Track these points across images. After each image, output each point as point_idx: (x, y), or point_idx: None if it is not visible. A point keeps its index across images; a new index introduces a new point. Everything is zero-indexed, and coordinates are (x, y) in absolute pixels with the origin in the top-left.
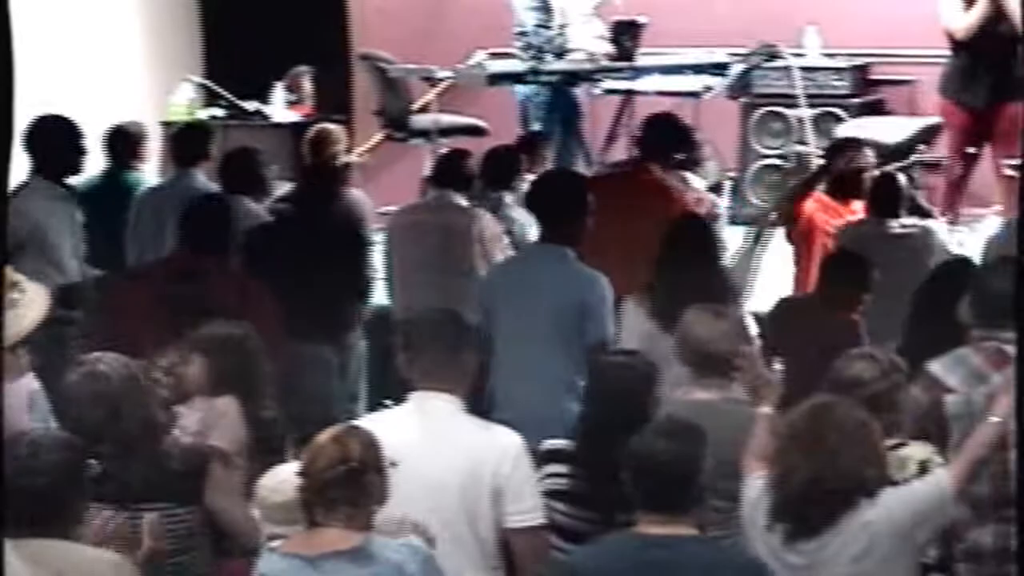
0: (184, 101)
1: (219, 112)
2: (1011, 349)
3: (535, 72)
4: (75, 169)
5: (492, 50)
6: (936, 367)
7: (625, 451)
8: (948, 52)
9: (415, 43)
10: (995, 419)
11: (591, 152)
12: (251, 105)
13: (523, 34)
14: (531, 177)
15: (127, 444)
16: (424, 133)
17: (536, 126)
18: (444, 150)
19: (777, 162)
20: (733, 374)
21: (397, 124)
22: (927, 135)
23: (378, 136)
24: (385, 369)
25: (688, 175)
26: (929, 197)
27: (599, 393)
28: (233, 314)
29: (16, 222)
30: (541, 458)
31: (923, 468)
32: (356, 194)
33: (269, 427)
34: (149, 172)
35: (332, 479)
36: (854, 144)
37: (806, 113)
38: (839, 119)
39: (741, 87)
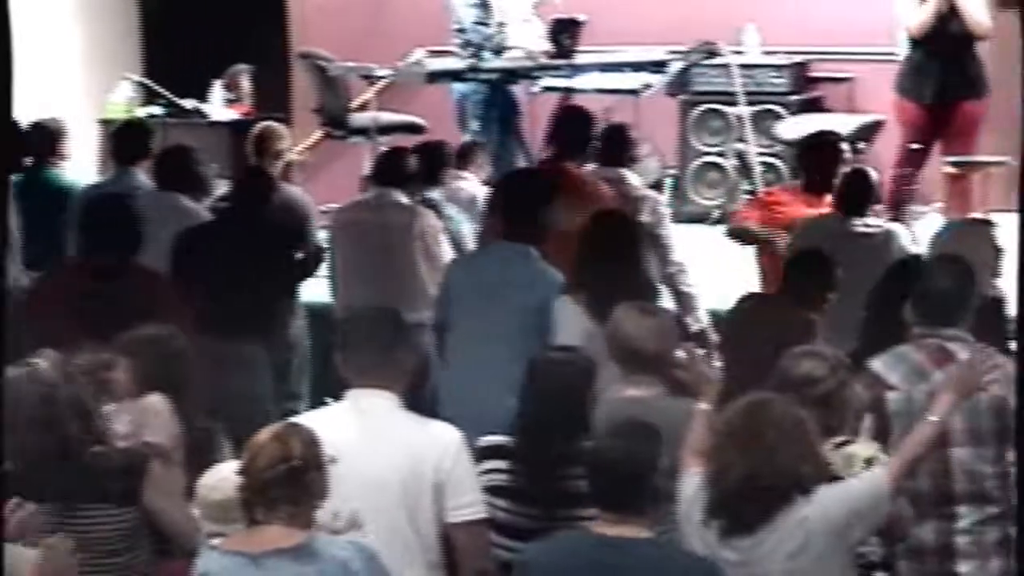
0: (123, 99)
1: (158, 110)
2: (953, 347)
3: (474, 70)
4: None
5: (431, 48)
6: (878, 364)
7: (583, 450)
8: (888, 50)
9: (354, 41)
10: (932, 418)
11: (530, 150)
12: (190, 103)
13: (462, 31)
14: (467, 176)
15: (65, 445)
16: (363, 131)
17: (474, 124)
18: (384, 148)
19: (717, 160)
20: (664, 370)
21: (336, 122)
22: (867, 132)
23: (317, 134)
24: (328, 368)
25: (626, 172)
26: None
27: (537, 389)
28: (146, 313)
29: None
30: (480, 454)
31: (869, 465)
32: (297, 192)
33: (199, 426)
34: (74, 169)
35: (273, 477)
36: (832, 139)
37: (745, 111)
38: (778, 117)
39: (680, 85)
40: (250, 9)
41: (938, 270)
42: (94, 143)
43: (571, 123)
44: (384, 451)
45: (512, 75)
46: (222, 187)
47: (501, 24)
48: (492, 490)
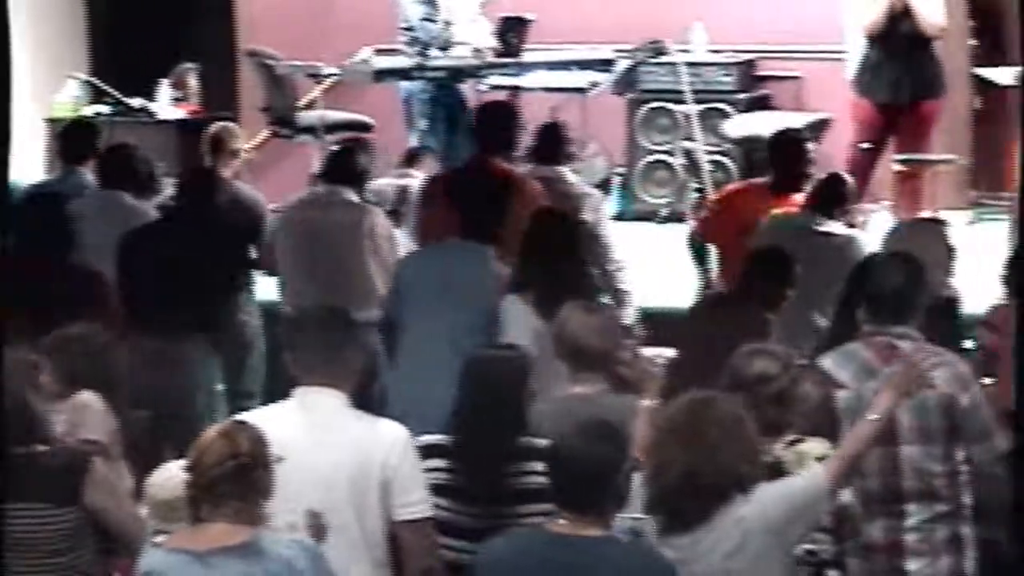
0: (69, 98)
1: (105, 109)
2: (902, 344)
3: (421, 68)
4: None
5: (378, 47)
6: (827, 362)
7: (521, 447)
8: (835, 48)
9: (301, 40)
10: (872, 416)
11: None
12: (137, 102)
13: (409, 29)
14: (415, 174)
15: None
16: (310, 130)
17: (421, 123)
18: (334, 147)
19: (665, 158)
20: (609, 368)
21: (283, 121)
22: (815, 130)
23: (264, 133)
24: (281, 366)
25: (564, 170)
26: None
27: (471, 386)
28: (79, 312)
29: None
30: (420, 453)
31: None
32: (249, 191)
33: (134, 424)
34: (21, 169)
35: (220, 474)
36: (800, 137)
37: (693, 109)
38: (726, 115)
39: (627, 83)
40: (197, 7)
41: (888, 268)
42: (41, 142)
43: (493, 119)
44: (332, 449)
45: (459, 73)
46: (169, 186)
47: (448, 22)
48: (433, 489)
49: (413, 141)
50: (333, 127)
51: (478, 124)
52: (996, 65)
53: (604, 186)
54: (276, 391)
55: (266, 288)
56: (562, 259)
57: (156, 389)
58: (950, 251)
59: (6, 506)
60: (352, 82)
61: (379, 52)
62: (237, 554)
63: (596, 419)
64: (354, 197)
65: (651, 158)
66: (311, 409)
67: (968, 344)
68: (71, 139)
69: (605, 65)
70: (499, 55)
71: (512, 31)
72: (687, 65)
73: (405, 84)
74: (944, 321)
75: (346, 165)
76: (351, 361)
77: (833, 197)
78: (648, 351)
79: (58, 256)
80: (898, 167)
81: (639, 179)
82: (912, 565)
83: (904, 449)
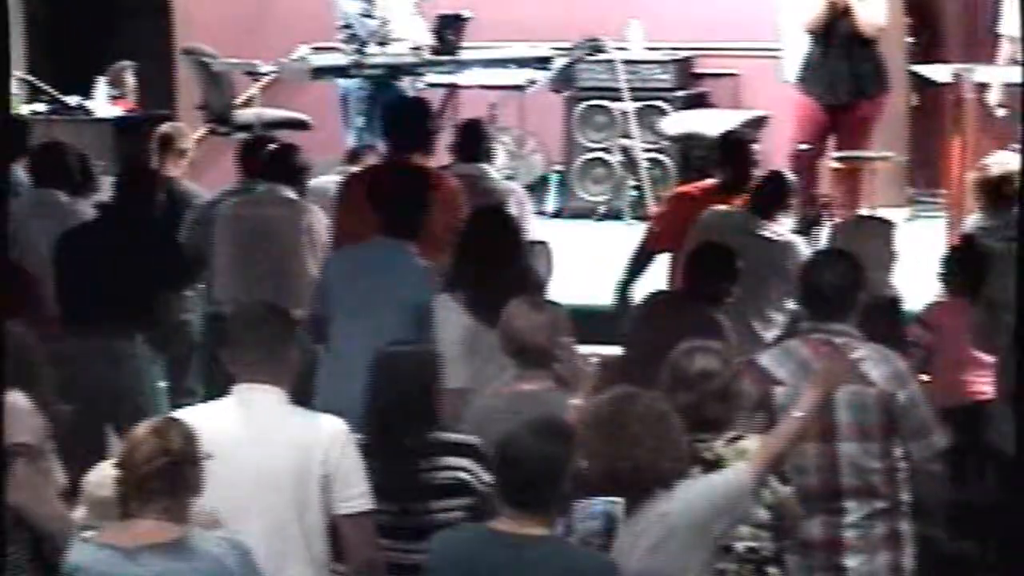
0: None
1: (42, 107)
2: (840, 342)
3: (358, 66)
4: None
5: (315, 45)
6: (766, 359)
7: (433, 442)
8: (771, 45)
9: (239, 38)
10: (796, 414)
11: None
12: (74, 100)
13: (347, 26)
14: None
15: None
16: (247, 127)
17: (358, 121)
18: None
19: (602, 155)
20: (553, 364)
21: (220, 119)
22: (751, 127)
23: (201, 131)
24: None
25: (485, 167)
26: None
27: (380, 382)
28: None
29: None
30: None
31: None
32: (193, 188)
33: (62, 422)
34: None
35: (151, 471)
36: (749, 136)
37: (630, 106)
38: (663, 112)
39: (565, 81)
40: (134, 5)
41: (825, 265)
42: None
43: (405, 116)
44: (271, 445)
45: (396, 71)
46: (106, 184)
47: (385, 19)
48: None
49: (350, 139)
50: (270, 125)
51: (390, 122)
52: (933, 62)
53: (542, 183)
54: (216, 388)
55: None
56: (498, 257)
57: (98, 387)
58: (893, 251)
59: None
60: (289, 80)
61: (316, 50)
62: (165, 551)
63: (544, 417)
64: (293, 195)
65: (589, 155)
66: (250, 406)
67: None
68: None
69: (542, 63)
70: (436, 53)
71: (449, 28)
72: (624, 63)
73: (343, 82)
74: (886, 320)
75: (285, 163)
76: (290, 358)
77: (774, 197)
78: (584, 349)
79: None
80: (836, 164)
81: (577, 176)
82: (850, 561)
83: (842, 446)
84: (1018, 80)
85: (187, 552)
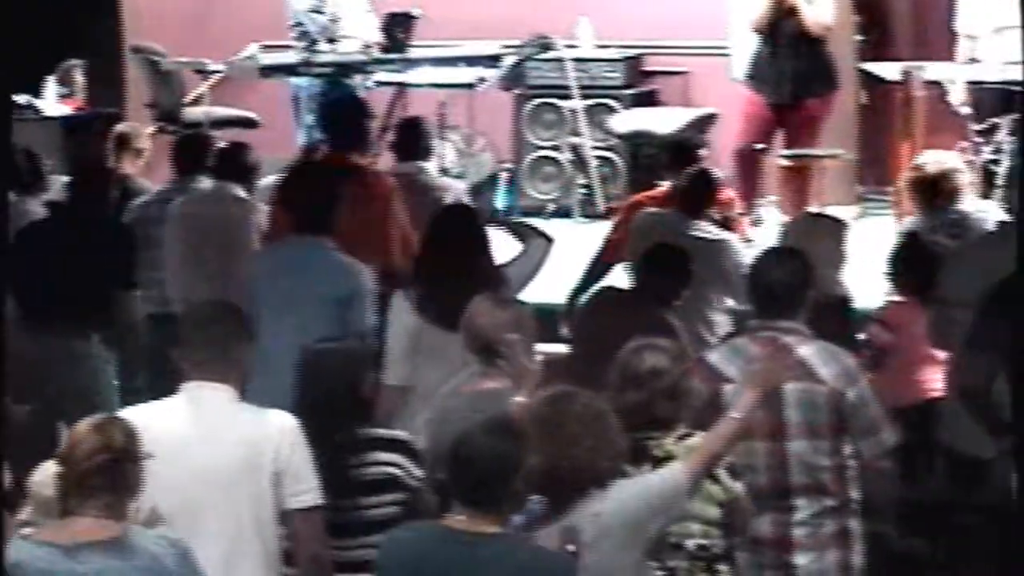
0: None
1: None
2: (789, 339)
3: (307, 64)
4: None
5: (265, 43)
6: (715, 357)
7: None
8: (721, 44)
9: (188, 36)
10: (734, 415)
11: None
12: (23, 99)
13: (298, 24)
14: None
15: None
16: (196, 125)
17: (309, 119)
18: (222, 143)
19: (552, 154)
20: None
21: (169, 117)
22: (700, 125)
23: (150, 129)
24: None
25: (424, 164)
26: None
27: (307, 379)
28: None
29: None
30: None
31: None
32: (149, 187)
33: (17, 423)
34: None
35: (92, 468)
36: (694, 143)
37: (579, 105)
38: (612, 110)
39: (515, 79)
40: (83, 3)
41: (776, 263)
42: None
43: (342, 114)
44: (222, 444)
45: (346, 69)
46: (56, 182)
47: (335, 16)
48: None
49: (301, 137)
50: (219, 123)
51: (327, 121)
52: (882, 60)
53: (491, 181)
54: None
55: None
56: (450, 257)
57: (56, 387)
58: (843, 249)
59: None
60: (238, 78)
61: (266, 48)
62: (104, 549)
63: (496, 416)
64: (243, 193)
65: (538, 154)
66: (200, 404)
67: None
68: None
69: (492, 61)
70: (385, 51)
71: (398, 27)
72: (574, 61)
73: (295, 81)
74: (835, 318)
75: (235, 161)
76: (239, 355)
77: (701, 195)
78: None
79: None
80: (784, 162)
81: (526, 175)
82: (800, 559)
83: (792, 445)
84: (971, 77)
85: (126, 550)
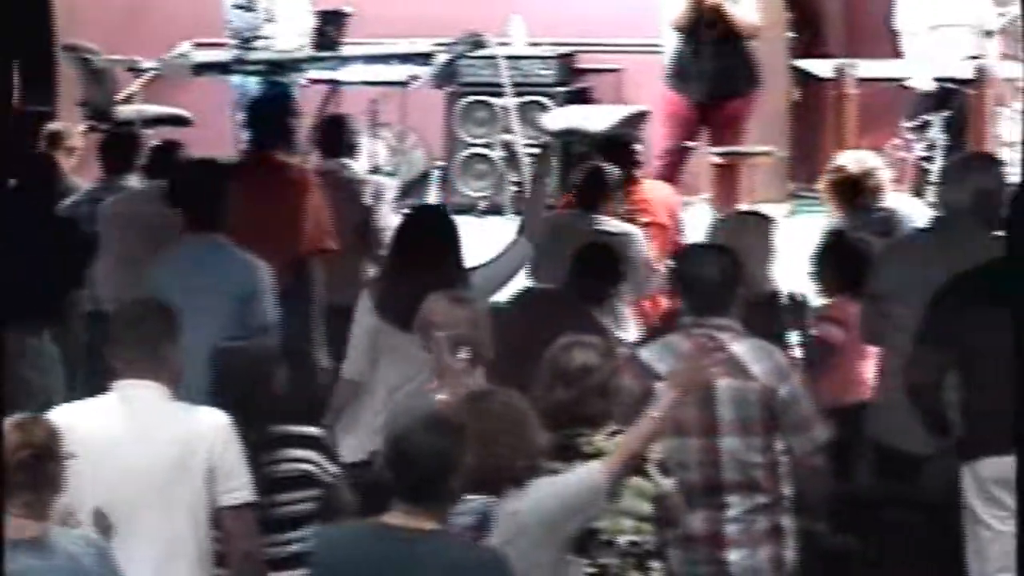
0: None
1: None
2: (722, 336)
3: (240, 62)
4: None
5: (198, 40)
6: (647, 354)
7: (276, 436)
8: (653, 41)
9: (121, 34)
10: (654, 414)
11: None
12: None
13: (230, 22)
14: None
15: None
16: (128, 124)
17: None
18: (155, 141)
19: (484, 151)
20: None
21: (101, 115)
22: (633, 123)
23: (82, 127)
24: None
25: (347, 161)
26: None
27: (217, 378)
28: None
29: None
30: None
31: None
32: (79, 184)
33: None
34: None
35: (13, 466)
36: (627, 140)
37: (511, 102)
38: (545, 108)
39: (447, 77)
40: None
41: (706, 260)
42: None
43: (264, 112)
44: (152, 442)
45: (278, 67)
46: None
47: (270, 13)
48: None
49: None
50: (150, 121)
51: (250, 119)
52: (815, 57)
53: (423, 179)
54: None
55: None
56: (415, 260)
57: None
58: (772, 245)
59: None
60: (171, 76)
61: (199, 46)
62: (24, 548)
63: (435, 412)
64: None
65: (470, 151)
66: (131, 403)
67: (794, 336)
68: None
69: (424, 59)
70: (317, 48)
71: (331, 24)
72: (506, 58)
73: (235, 80)
74: (766, 314)
75: (167, 160)
76: (170, 353)
77: (596, 190)
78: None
79: None
80: (716, 160)
81: (458, 172)
82: (732, 555)
83: (724, 441)
84: (904, 75)
85: (45, 549)
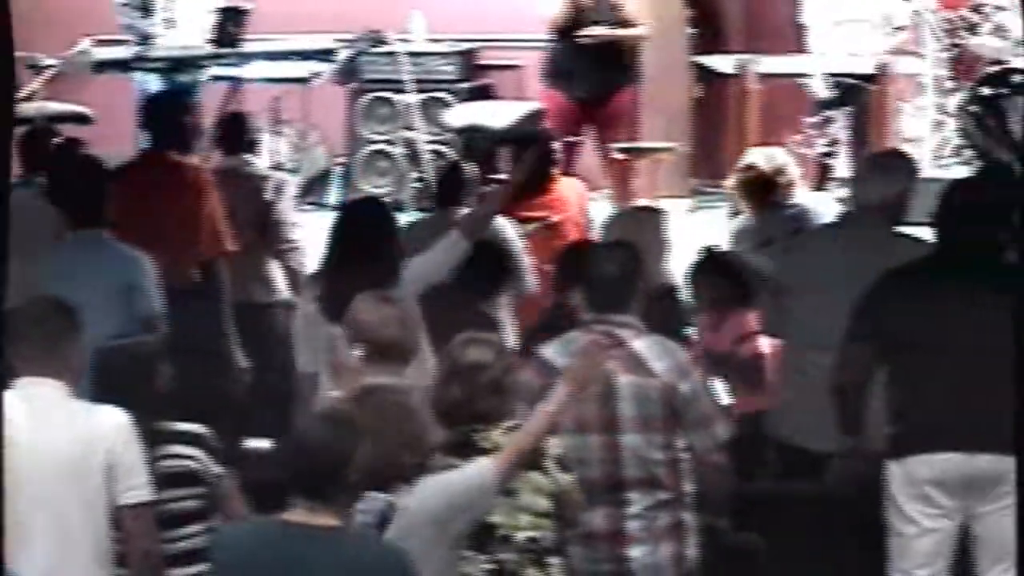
0: None
1: None
2: (622, 332)
3: (140, 59)
4: None
5: (99, 37)
6: (548, 351)
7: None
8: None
9: (21, 30)
10: (546, 409)
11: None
12: None
13: (120, 18)
14: None
15: None
16: (29, 121)
17: None
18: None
19: (385, 148)
20: (406, 357)
21: None
22: (533, 119)
23: None
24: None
25: (248, 157)
26: None
27: (98, 377)
28: None
29: None
30: None
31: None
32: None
33: None
34: None
35: None
36: (546, 137)
37: (413, 98)
38: (446, 104)
39: (349, 73)
40: None
41: (604, 256)
42: None
43: (157, 111)
44: (51, 440)
45: (178, 65)
46: None
47: (168, 11)
48: None
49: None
50: (51, 119)
51: (143, 118)
52: (715, 53)
53: (325, 176)
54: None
55: None
56: (353, 254)
57: None
58: (666, 239)
59: None
60: (72, 74)
61: (100, 43)
62: None
63: (332, 407)
64: None
65: (372, 148)
66: (31, 400)
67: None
68: None
69: (325, 55)
70: (217, 45)
71: (230, 21)
72: (407, 55)
73: (139, 78)
74: (664, 309)
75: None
76: (71, 351)
77: (453, 186)
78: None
79: None
80: (619, 155)
81: (360, 169)
82: (634, 552)
83: (625, 438)
84: (805, 70)
85: None
